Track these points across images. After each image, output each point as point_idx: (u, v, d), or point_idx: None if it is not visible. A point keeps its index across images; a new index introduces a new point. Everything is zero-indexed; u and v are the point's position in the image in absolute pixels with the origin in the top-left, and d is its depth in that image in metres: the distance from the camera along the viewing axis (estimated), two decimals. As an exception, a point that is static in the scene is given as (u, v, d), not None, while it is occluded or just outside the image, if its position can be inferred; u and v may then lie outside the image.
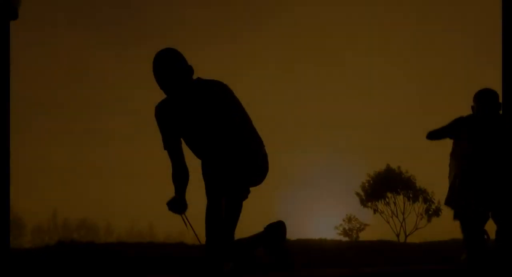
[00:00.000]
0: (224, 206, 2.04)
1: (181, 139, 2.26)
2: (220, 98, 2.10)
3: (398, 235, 30.08)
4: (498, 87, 2.88)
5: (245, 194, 2.19)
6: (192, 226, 2.16)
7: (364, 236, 31.63)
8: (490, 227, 3.07)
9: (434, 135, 3.34)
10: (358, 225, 31.87)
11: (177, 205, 2.14)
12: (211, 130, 2.11)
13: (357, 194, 31.41)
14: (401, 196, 30.55)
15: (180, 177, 2.20)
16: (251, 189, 2.38)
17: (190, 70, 2.14)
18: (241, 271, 2.10)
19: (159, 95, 2.27)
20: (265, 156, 2.36)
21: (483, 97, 3.11)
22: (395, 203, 30.70)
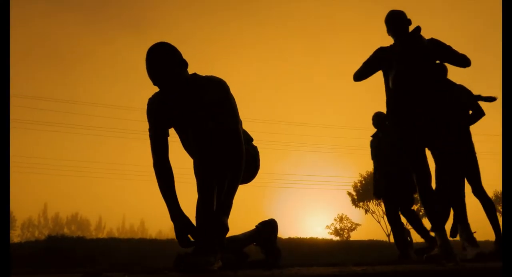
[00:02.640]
0: (216, 200, 2.03)
1: (167, 134, 2.23)
2: (215, 95, 2.07)
3: (388, 236, 30.24)
4: (498, 87, 2.87)
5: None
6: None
7: (355, 235, 31.87)
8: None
9: (360, 74, 3.05)
10: (349, 225, 32.05)
11: (185, 233, 2.01)
12: (204, 126, 2.09)
13: (349, 194, 31.56)
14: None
15: (166, 175, 2.11)
16: (244, 186, 2.38)
17: (183, 64, 2.11)
18: (232, 267, 2.10)
19: (153, 93, 2.26)
20: (258, 154, 2.37)
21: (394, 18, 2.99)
22: (386, 204, 30.83)
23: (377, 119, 4.86)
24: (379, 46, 3.05)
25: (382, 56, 2.98)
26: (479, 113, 3.77)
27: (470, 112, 3.79)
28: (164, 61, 2.02)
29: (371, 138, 4.94)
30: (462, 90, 3.79)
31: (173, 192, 2.08)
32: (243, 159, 2.04)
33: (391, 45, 3.01)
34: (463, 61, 2.92)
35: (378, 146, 4.78)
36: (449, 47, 2.93)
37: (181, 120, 2.15)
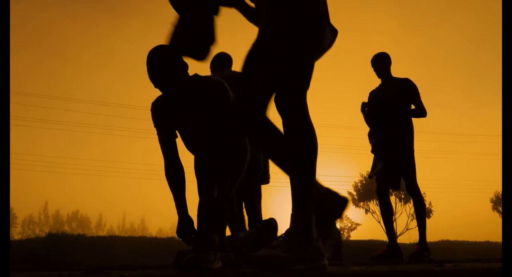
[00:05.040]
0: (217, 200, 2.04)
1: (175, 136, 2.25)
2: (215, 96, 2.08)
3: (388, 235, 30.24)
4: (498, 88, 2.84)
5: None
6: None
7: (355, 235, 31.85)
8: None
9: None
10: (349, 225, 32.01)
11: (186, 231, 2.05)
12: (204, 127, 2.10)
13: (349, 193, 31.53)
14: (393, 197, 30.70)
15: (175, 176, 2.15)
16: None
17: (183, 66, 2.11)
18: (231, 266, 2.10)
19: (155, 92, 2.27)
20: (260, 155, 2.37)
21: None
22: (386, 204, 30.87)
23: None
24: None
25: None
26: (422, 112, 3.66)
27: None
28: (164, 64, 2.03)
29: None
30: (405, 82, 3.70)
31: (181, 192, 2.13)
32: (246, 157, 2.06)
33: None
34: None
35: None
36: None
37: (184, 120, 2.16)
